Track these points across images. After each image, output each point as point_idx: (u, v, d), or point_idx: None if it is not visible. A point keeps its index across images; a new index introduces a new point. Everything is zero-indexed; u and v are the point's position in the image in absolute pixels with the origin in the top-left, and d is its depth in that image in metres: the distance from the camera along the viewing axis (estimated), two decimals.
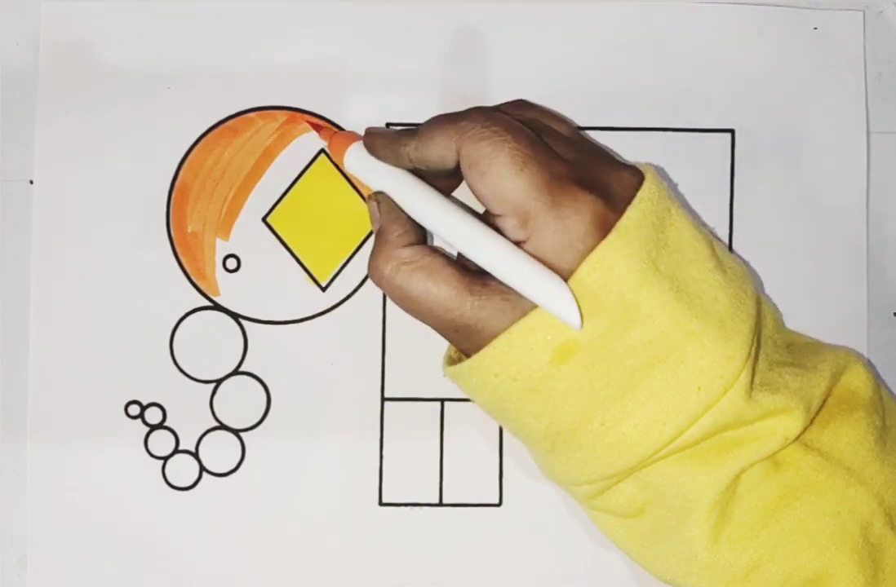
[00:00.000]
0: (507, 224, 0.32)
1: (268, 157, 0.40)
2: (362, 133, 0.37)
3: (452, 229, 0.33)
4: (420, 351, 0.39)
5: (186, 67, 0.40)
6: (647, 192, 0.33)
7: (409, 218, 0.35)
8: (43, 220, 0.40)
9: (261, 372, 0.40)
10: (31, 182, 0.40)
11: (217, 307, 0.40)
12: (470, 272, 0.33)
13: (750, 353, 0.32)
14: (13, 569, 0.40)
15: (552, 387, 0.32)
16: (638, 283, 0.31)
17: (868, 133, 0.41)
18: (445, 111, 0.40)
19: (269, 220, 0.40)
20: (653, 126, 0.41)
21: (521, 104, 0.37)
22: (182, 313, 0.40)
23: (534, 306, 0.32)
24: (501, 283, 0.32)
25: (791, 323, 0.40)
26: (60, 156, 0.40)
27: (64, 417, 0.40)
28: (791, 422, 0.33)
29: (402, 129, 0.35)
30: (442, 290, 0.33)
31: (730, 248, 0.41)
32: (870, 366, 0.40)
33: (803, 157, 0.41)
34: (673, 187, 0.40)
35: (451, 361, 0.35)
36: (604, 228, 0.31)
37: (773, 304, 0.39)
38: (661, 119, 0.41)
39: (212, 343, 0.40)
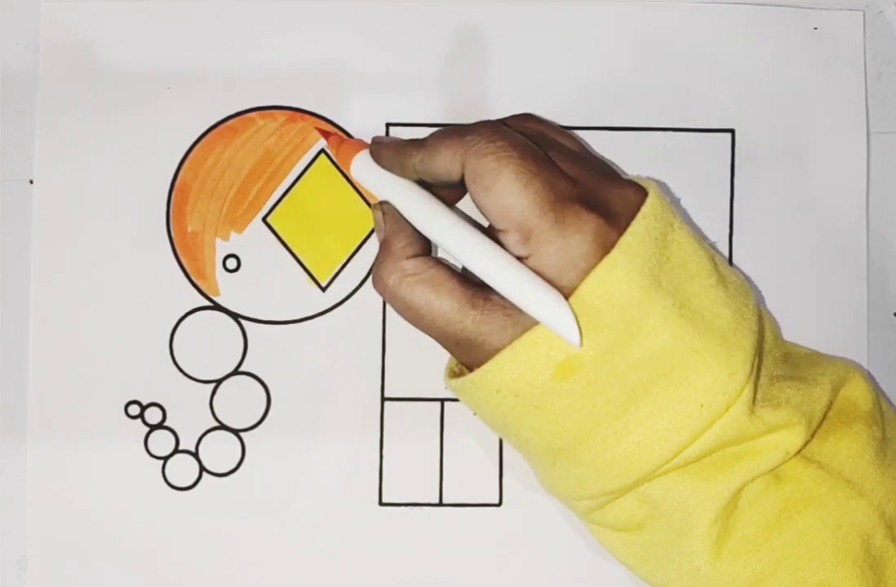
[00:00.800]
0: (510, 240, 0.32)
1: (268, 156, 0.40)
2: (365, 137, 0.37)
3: (456, 242, 0.33)
4: (420, 351, 0.39)
5: (186, 67, 0.40)
6: (650, 209, 0.33)
7: (414, 229, 0.35)
8: (43, 220, 0.40)
9: (261, 372, 0.40)
10: (31, 182, 0.40)
11: (217, 307, 0.40)
12: (473, 285, 0.33)
13: (752, 370, 0.32)
14: (13, 569, 0.40)
15: (554, 403, 0.32)
16: (640, 299, 0.31)
17: (868, 133, 0.41)
18: (445, 112, 0.40)
19: (269, 220, 0.40)
20: (653, 126, 0.41)
21: (528, 118, 0.37)
22: (182, 313, 0.40)
23: (536, 322, 0.32)
24: (504, 298, 0.32)
25: (791, 324, 0.40)
26: (60, 156, 0.40)
27: (64, 417, 0.40)
28: (793, 437, 0.33)
29: (408, 140, 0.35)
30: (444, 303, 0.33)
31: (729, 248, 0.41)
32: (869, 375, 0.40)
33: (803, 156, 0.41)
34: (675, 202, 0.40)
35: (453, 374, 0.35)
36: (605, 248, 0.31)
37: (772, 315, 0.39)
38: (661, 119, 0.41)
39: (212, 343, 0.40)
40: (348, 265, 0.40)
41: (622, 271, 0.31)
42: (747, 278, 0.41)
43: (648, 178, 0.35)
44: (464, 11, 0.40)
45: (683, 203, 0.41)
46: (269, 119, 0.40)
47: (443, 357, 0.36)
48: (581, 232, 0.31)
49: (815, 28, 0.41)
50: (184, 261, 0.40)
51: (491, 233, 0.33)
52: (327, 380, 0.40)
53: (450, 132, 0.33)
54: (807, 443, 0.33)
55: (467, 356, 0.33)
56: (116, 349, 0.40)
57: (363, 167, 0.36)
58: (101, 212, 0.40)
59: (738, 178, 0.41)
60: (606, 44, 0.41)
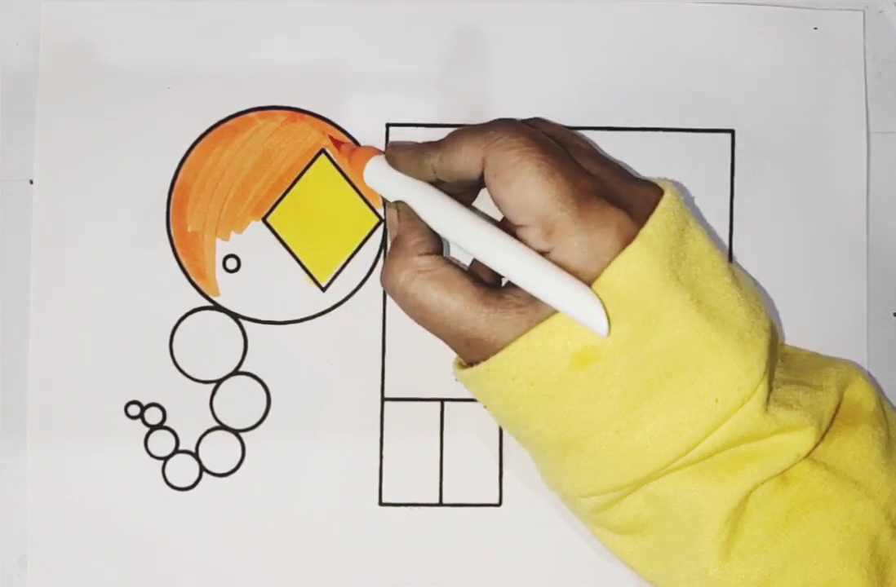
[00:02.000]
0: (531, 234, 0.32)
1: (268, 156, 0.40)
2: (366, 138, 0.36)
3: (476, 238, 0.33)
4: (420, 351, 0.39)
5: (186, 67, 0.40)
6: (668, 204, 0.33)
7: (428, 228, 0.35)
8: (43, 220, 0.40)
9: (261, 372, 0.40)
10: (31, 182, 0.40)
11: (217, 307, 0.40)
12: (484, 285, 0.33)
13: (767, 367, 0.32)
14: (13, 569, 0.40)
15: (569, 393, 0.32)
16: (660, 292, 0.31)
17: (868, 133, 0.41)
18: (445, 112, 0.40)
19: (269, 220, 0.40)
20: (653, 126, 0.41)
21: (540, 121, 0.37)
22: (182, 313, 0.40)
23: (550, 317, 0.32)
24: (516, 297, 0.32)
25: (791, 323, 0.40)
26: (60, 156, 0.40)
27: (64, 417, 0.40)
28: (804, 439, 0.33)
29: (425, 142, 0.35)
30: (457, 301, 0.33)
31: (730, 248, 0.41)
32: (869, 375, 0.40)
33: (803, 156, 0.41)
34: (689, 201, 0.40)
35: (462, 366, 0.35)
36: (628, 242, 0.32)
37: (776, 316, 0.39)
38: (661, 119, 0.41)
39: (212, 343, 0.40)
40: (348, 265, 0.40)
41: (643, 263, 0.31)
42: None
43: (665, 180, 0.35)
44: (464, 11, 0.40)
45: (698, 217, 0.41)
46: (269, 119, 0.40)
47: (443, 357, 0.36)
48: (606, 225, 0.31)
49: (815, 28, 0.41)
50: (184, 261, 0.40)
51: (508, 230, 0.33)
52: (327, 381, 0.40)
53: (470, 129, 0.34)
54: (816, 445, 0.33)
55: (477, 355, 0.33)
56: (116, 349, 0.40)
57: (377, 172, 0.36)
58: (101, 212, 0.40)
59: (738, 178, 0.41)
60: (606, 44, 0.41)
